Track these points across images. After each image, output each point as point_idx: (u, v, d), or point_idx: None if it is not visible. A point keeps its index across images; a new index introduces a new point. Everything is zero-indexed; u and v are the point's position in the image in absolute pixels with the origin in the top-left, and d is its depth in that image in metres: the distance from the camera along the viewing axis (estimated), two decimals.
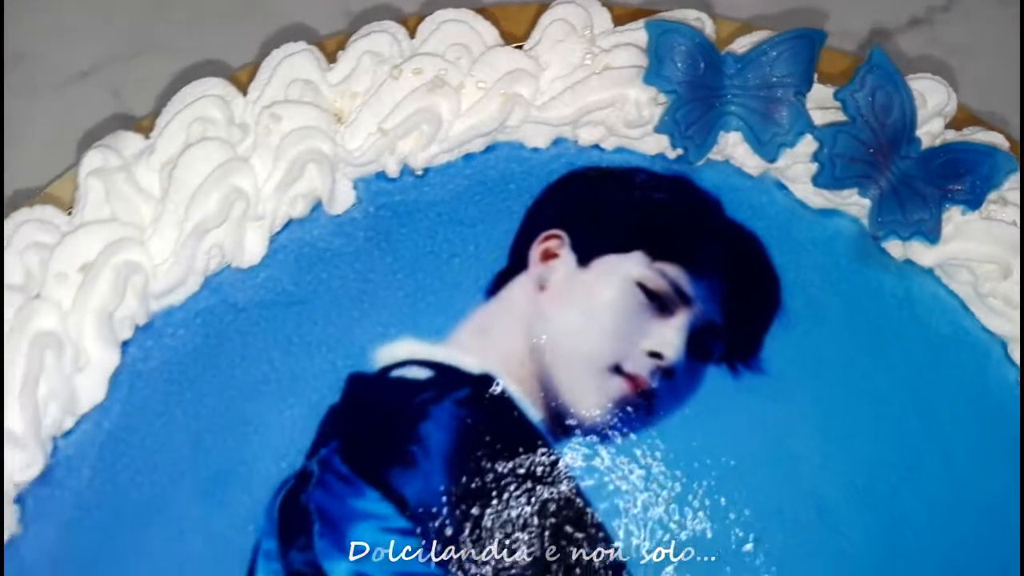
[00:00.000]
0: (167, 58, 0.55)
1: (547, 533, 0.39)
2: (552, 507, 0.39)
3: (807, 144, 0.46)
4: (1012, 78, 0.57)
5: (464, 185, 0.46)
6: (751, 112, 0.45)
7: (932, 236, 0.44)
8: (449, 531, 0.38)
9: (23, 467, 0.38)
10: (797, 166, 0.46)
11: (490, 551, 0.38)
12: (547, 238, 0.44)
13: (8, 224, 0.42)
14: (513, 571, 0.38)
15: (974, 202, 0.44)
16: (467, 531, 0.38)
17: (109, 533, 0.39)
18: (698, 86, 0.44)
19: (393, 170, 0.46)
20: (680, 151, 0.46)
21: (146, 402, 0.41)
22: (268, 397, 0.41)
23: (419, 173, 0.46)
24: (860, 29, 0.59)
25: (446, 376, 0.41)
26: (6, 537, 0.38)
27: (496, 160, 0.47)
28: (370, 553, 0.38)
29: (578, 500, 0.39)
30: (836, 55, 0.49)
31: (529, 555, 0.38)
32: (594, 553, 0.38)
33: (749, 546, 0.39)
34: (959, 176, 0.44)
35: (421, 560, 0.38)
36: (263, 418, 0.41)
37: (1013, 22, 0.59)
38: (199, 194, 0.42)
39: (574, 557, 0.38)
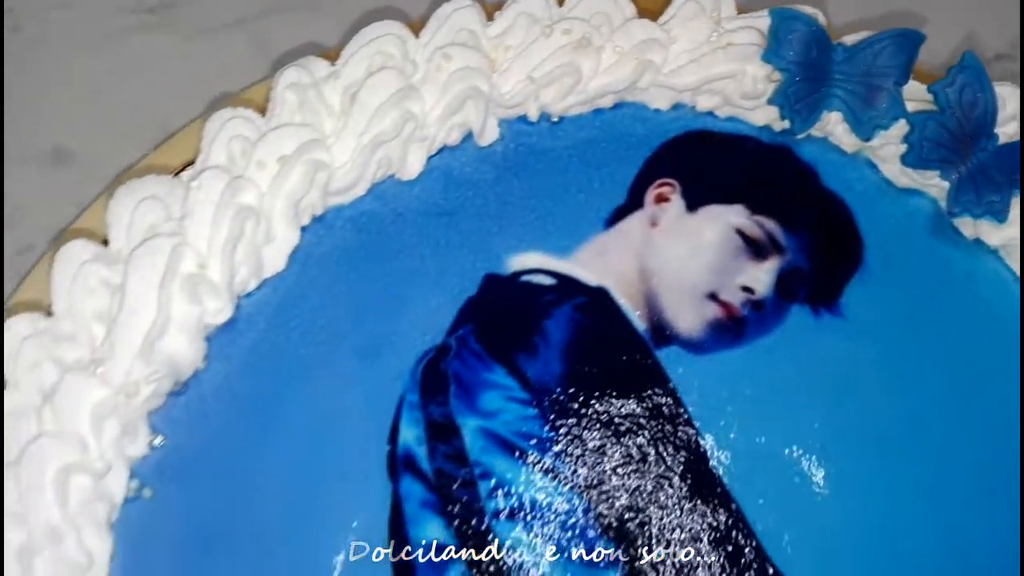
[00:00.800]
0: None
1: (642, 420, 0.45)
2: (648, 401, 0.46)
3: (899, 128, 0.52)
4: None
5: (592, 134, 0.53)
6: (853, 96, 0.52)
7: (1001, 216, 0.50)
8: (560, 407, 0.45)
9: (215, 312, 0.47)
10: (888, 147, 0.53)
11: (593, 426, 0.45)
12: (661, 184, 0.52)
13: (214, 119, 0.50)
14: (610, 440, 0.45)
15: None
16: (575, 408, 0.45)
17: (277, 378, 0.46)
18: (809, 68, 0.51)
19: (533, 115, 0.53)
20: (786, 124, 0.53)
21: (316, 278, 0.49)
22: (417, 285, 0.49)
23: (555, 120, 0.54)
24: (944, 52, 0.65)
25: (567, 285, 0.48)
26: (192, 371, 0.46)
27: (622, 116, 0.54)
28: (495, 415, 0.45)
29: (670, 398, 0.46)
30: (921, 63, 0.55)
31: (625, 432, 0.45)
32: (679, 438, 0.45)
33: (814, 458, 0.46)
34: None
35: (537, 426, 0.45)
36: (412, 301, 0.48)
37: None
38: (378, 113, 0.50)
39: (664, 442, 0.45)
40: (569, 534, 0.43)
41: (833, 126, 0.53)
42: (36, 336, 0.45)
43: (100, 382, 0.43)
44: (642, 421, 0.45)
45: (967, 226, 0.52)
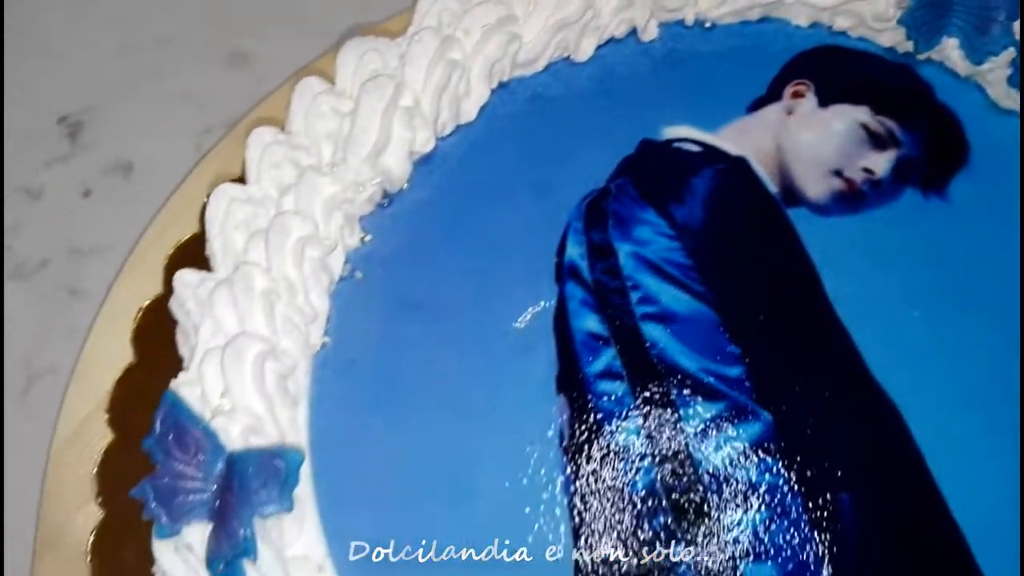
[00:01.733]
0: None
1: (770, 257, 0.54)
2: (776, 245, 0.54)
3: (1007, 55, 0.60)
4: None
5: (740, 42, 0.62)
6: (969, 24, 0.60)
7: None
8: (700, 243, 0.54)
9: (423, 141, 0.56)
10: (997, 71, 0.61)
11: (728, 259, 0.53)
12: (798, 84, 0.60)
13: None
14: (743, 270, 0.53)
15: None
16: (713, 245, 0.54)
17: (465, 203, 0.56)
18: None
19: (690, 19, 0.63)
20: (910, 46, 0.61)
21: (500, 131, 0.58)
22: (583, 144, 0.58)
23: (707, 26, 0.63)
24: None
25: (712, 153, 0.57)
26: (398, 188, 0.56)
27: (767, 29, 0.63)
28: (646, 244, 0.54)
29: (795, 244, 0.54)
30: None
31: (756, 264, 0.53)
32: (800, 273, 0.53)
33: (914, 310, 0.53)
34: None
35: (680, 256, 0.53)
36: (579, 154, 0.57)
37: None
38: (563, 1, 0.60)
39: (788, 274, 0.53)
40: (704, 338, 0.51)
41: (950, 51, 0.61)
42: (277, 143, 0.55)
43: (332, 180, 0.54)
44: (770, 259, 0.54)
45: None
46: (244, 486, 0.42)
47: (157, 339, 0.69)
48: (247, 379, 0.47)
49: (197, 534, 0.44)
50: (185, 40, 0.83)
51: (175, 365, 0.55)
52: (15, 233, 0.83)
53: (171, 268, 0.70)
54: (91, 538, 0.63)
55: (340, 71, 0.58)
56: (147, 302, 0.70)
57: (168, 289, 0.71)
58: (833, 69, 0.61)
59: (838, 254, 0.54)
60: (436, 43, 0.57)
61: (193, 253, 0.63)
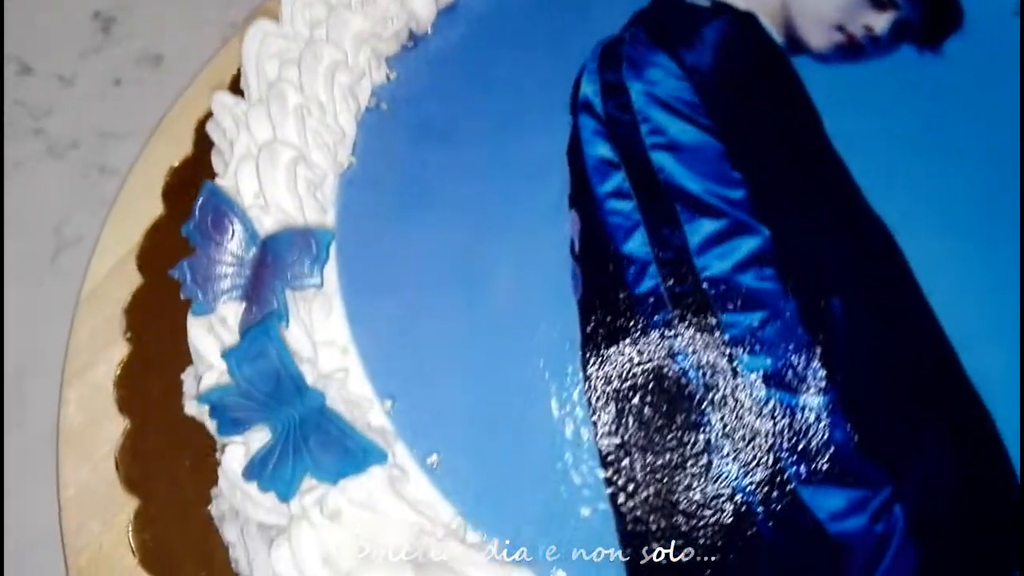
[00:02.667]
0: None
1: (774, 99, 0.57)
2: (779, 86, 0.57)
3: None
4: None
5: None
6: None
7: None
8: (709, 84, 0.57)
9: None
10: None
11: (734, 99, 0.57)
12: None
13: None
14: (748, 108, 0.56)
15: None
16: (721, 86, 0.57)
17: (486, 50, 0.60)
18: None
19: None
20: None
21: None
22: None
23: None
24: None
25: (721, 8, 0.60)
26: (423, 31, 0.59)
27: None
28: (657, 84, 0.57)
29: (798, 89, 0.57)
30: None
31: (760, 103, 0.57)
32: (802, 114, 0.56)
33: (909, 146, 0.56)
34: None
35: (689, 94, 0.57)
36: (593, 8, 0.61)
37: None
38: None
39: (790, 119, 0.56)
40: (708, 165, 0.54)
41: None
42: None
43: (363, 17, 0.57)
44: (773, 98, 0.57)
45: None
46: (278, 260, 0.45)
47: (186, 195, 0.72)
48: (280, 179, 0.50)
49: (231, 310, 0.47)
50: None
51: None
52: (48, 116, 0.87)
53: (200, 130, 0.74)
54: (117, 371, 0.66)
55: None
56: (177, 163, 0.73)
57: (198, 150, 0.74)
58: None
59: (838, 98, 0.57)
60: None
61: None
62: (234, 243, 0.47)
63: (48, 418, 0.70)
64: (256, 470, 0.43)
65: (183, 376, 0.56)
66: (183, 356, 0.63)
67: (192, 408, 0.53)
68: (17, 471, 0.71)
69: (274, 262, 0.45)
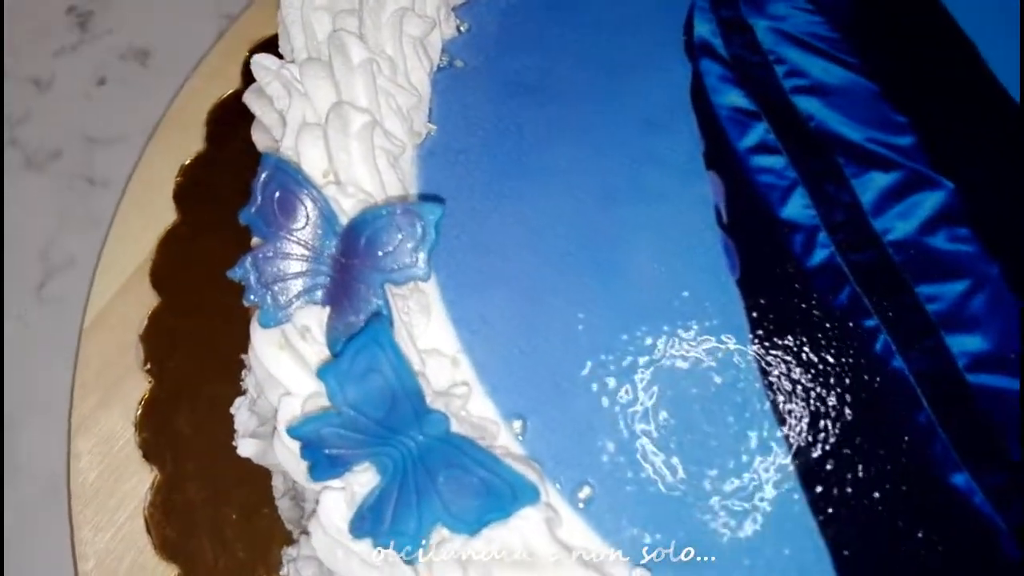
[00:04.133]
0: None
1: (923, 29, 0.48)
2: (929, 19, 0.48)
3: None
4: None
5: None
6: None
7: None
8: (843, 16, 0.48)
9: None
10: None
11: (880, 34, 0.47)
12: None
13: None
14: (890, 40, 0.47)
15: None
16: (857, 19, 0.48)
17: None
18: None
19: None
20: None
21: None
22: None
23: None
24: None
25: None
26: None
27: None
28: (784, 19, 0.47)
29: (949, 20, 0.48)
30: None
31: (902, 39, 0.47)
32: (950, 42, 0.47)
33: None
34: None
35: (825, 30, 0.47)
36: None
37: None
38: None
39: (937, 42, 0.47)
40: (865, 108, 0.45)
41: None
42: None
43: None
44: (922, 28, 0.48)
45: None
46: (372, 247, 0.35)
47: (202, 196, 0.61)
48: (354, 150, 0.39)
49: (313, 317, 0.36)
50: None
51: (218, 224, 0.47)
52: (24, 124, 0.75)
53: (212, 124, 0.63)
54: (137, 411, 0.55)
55: None
56: (188, 160, 0.62)
57: (211, 145, 0.63)
58: None
59: (992, 26, 0.48)
60: None
61: (236, 108, 0.56)
62: (308, 230, 0.36)
63: (52, 477, 0.59)
64: (367, 524, 0.32)
65: (233, 409, 0.45)
66: (222, 383, 0.52)
67: (248, 448, 0.42)
68: (19, 542, 0.59)
69: (367, 249, 0.35)
